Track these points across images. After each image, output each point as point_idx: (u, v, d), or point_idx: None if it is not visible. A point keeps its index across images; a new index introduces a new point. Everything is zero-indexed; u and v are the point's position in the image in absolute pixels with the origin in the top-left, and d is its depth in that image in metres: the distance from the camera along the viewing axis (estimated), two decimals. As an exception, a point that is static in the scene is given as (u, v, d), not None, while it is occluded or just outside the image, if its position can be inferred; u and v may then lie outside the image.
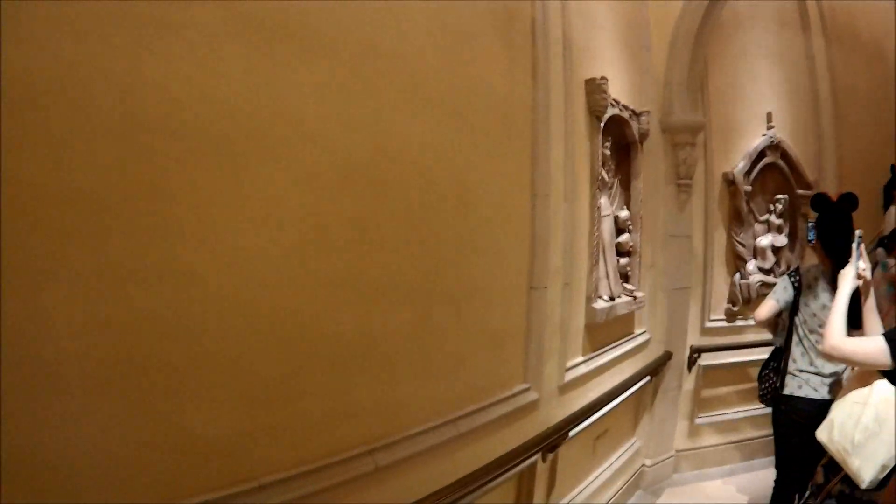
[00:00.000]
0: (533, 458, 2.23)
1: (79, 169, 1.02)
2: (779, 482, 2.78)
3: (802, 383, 2.59)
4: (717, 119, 3.88)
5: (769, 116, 4.05)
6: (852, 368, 2.39)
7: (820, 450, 2.43)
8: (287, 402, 1.39)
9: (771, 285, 3.70)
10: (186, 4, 1.15)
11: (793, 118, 4.25)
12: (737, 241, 3.98)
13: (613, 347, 3.10)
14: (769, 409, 2.82)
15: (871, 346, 1.88)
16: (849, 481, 1.92)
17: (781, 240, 4.13)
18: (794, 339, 2.69)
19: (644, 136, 3.19)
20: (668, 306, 3.71)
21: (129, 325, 1.09)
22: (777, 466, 2.79)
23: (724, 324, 4.02)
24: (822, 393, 2.54)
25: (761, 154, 4.00)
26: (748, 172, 3.95)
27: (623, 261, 3.14)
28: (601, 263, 2.88)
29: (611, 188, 3.07)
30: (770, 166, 4.06)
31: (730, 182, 3.91)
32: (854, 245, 2.10)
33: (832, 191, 3.91)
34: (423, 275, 1.76)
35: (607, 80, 2.69)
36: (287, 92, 1.35)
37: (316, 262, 1.44)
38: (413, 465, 1.70)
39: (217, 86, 1.21)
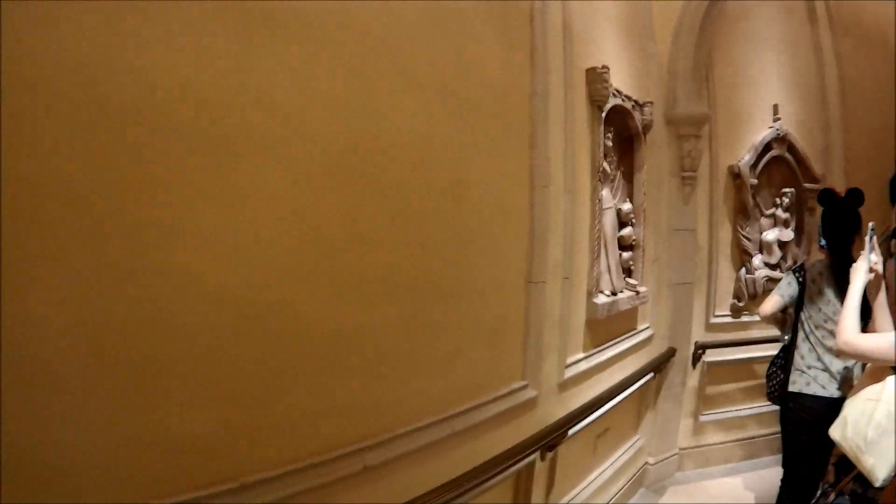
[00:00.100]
0: (531, 458, 2.17)
1: (57, 163, 0.98)
2: (786, 481, 2.73)
3: (811, 380, 2.55)
4: (723, 111, 3.81)
5: (775, 108, 3.96)
6: (863, 365, 2.35)
7: (828, 448, 2.41)
8: (272, 399, 1.34)
9: (777, 280, 3.68)
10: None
11: (800, 110, 4.17)
12: (742, 236, 3.90)
13: (616, 343, 3.04)
14: (774, 407, 2.79)
15: (886, 341, 1.83)
16: (861, 480, 1.88)
17: (788, 234, 4.05)
18: (801, 335, 2.65)
19: (647, 127, 3.12)
20: (672, 302, 3.65)
21: (109, 321, 1.05)
22: (784, 465, 2.74)
23: (730, 319, 3.96)
24: (831, 390, 2.49)
25: (767, 147, 3.92)
26: (754, 165, 3.87)
27: (625, 255, 3.08)
28: (603, 257, 2.82)
29: (613, 180, 3.00)
30: (776, 159, 3.98)
31: (735, 175, 3.83)
32: (867, 238, 2.05)
33: (839, 185, 3.87)
34: (414, 268, 1.71)
35: (608, 69, 2.62)
36: (274, 83, 1.30)
37: (302, 256, 1.39)
38: (405, 464, 1.65)
39: (200, 76, 1.16)
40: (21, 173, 0.93)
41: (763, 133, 3.91)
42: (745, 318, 3.98)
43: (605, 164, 2.81)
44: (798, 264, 2.79)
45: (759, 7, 4.00)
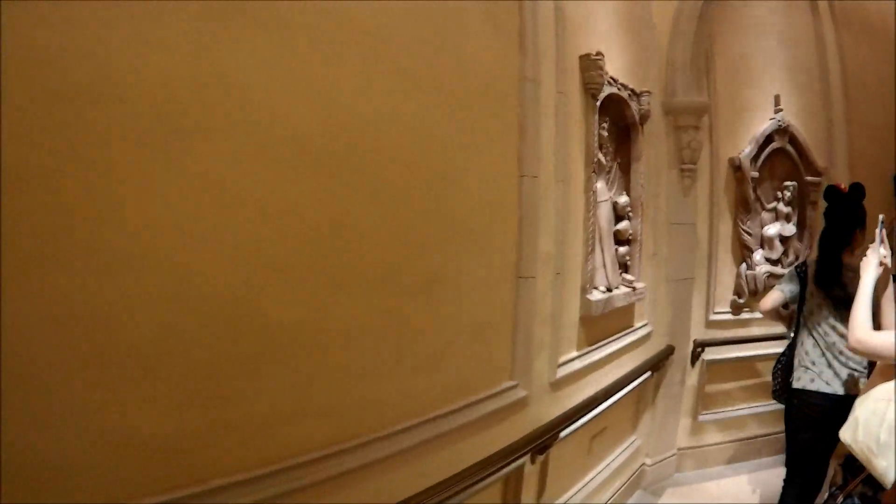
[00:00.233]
0: (521, 460, 2.07)
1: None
2: (788, 479, 2.70)
3: (815, 376, 2.52)
4: (723, 101, 3.70)
5: (777, 99, 3.85)
6: (870, 363, 2.29)
7: (831, 447, 2.37)
8: (240, 398, 1.26)
9: (778, 276, 3.62)
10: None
11: (802, 101, 4.05)
12: (743, 230, 3.80)
13: (612, 341, 2.94)
14: (775, 406, 2.79)
15: None
16: (872, 483, 1.80)
17: (790, 229, 3.95)
18: (805, 331, 2.63)
19: (645, 117, 3.02)
20: (670, 298, 3.56)
21: (64, 315, 0.98)
22: (787, 463, 2.71)
23: (730, 317, 3.86)
24: (835, 387, 2.46)
25: (769, 138, 3.81)
26: (755, 158, 3.76)
27: (622, 249, 2.98)
28: (597, 252, 2.72)
29: (609, 172, 2.90)
30: (778, 151, 3.87)
31: (736, 168, 3.73)
32: (878, 230, 1.98)
33: (843, 178, 3.78)
34: (395, 260, 1.62)
35: (603, 55, 2.53)
36: (238, 64, 1.21)
37: (273, 248, 1.31)
38: (385, 467, 1.56)
39: (159, 58, 1.09)
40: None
41: (764, 124, 3.80)
42: (745, 315, 3.88)
43: (601, 155, 2.71)
44: (801, 260, 2.81)
45: (761, -5, 3.89)
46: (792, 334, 2.74)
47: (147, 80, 1.07)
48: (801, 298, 2.65)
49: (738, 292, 3.85)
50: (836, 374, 2.47)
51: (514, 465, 2.02)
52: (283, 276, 1.34)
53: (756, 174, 3.77)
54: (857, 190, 2.55)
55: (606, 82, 2.62)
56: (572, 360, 2.54)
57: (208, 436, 1.20)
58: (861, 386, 2.42)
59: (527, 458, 2.12)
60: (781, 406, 2.77)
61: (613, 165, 2.96)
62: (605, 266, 2.78)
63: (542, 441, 2.15)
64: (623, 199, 2.95)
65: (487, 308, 1.99)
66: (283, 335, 1.34)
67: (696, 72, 3.34)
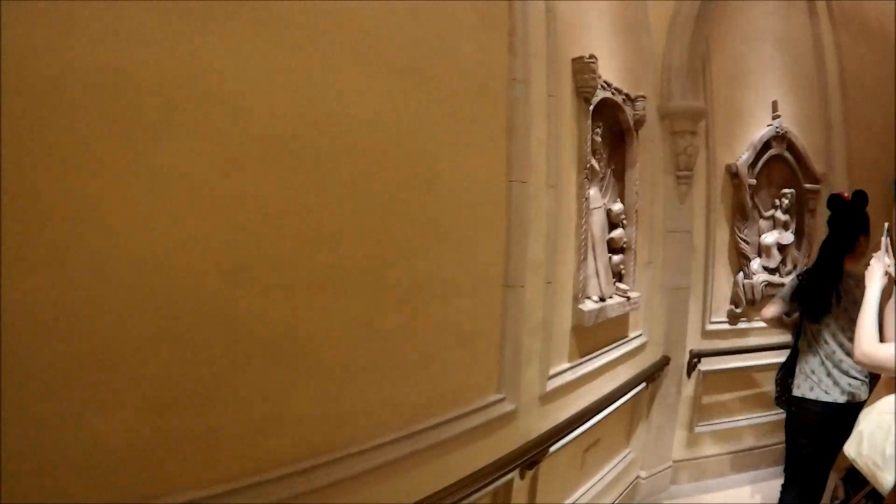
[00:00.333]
0: (509, 476, 2.00)
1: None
2: (785, 485, 2.70)
3: (814, 385, 2.52)
4: (720, 107, 3.64)
5: (775, 105, 3.81)
6: (869, 374, 2.25)
7: (829, 455, 2.35)
8: (205, 409, 1.19)
9: (776, 285, 3.56)
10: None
11: (800, 107, 4.00)
12: (740, 238, 3.73)
13: (605, 352, 2.86)
14: (773, 417, 2.79)
15: None
16: (875, 497, 1.74)
17: (787, 237, 3.88)
18: (805, 339, 2.63)
19: (640, 122, 2.95)
20: (666, 307, 3.49)
21: (23, 317, 0.93)
22: (785, 470, 2.72)
23: (727, 326, 3.79)
24: (834, 395, 2.46)
25: (766, 145, 3.75)
26: (752, 164, 3.70)
27: (616, 258, 2.91)
28: (590, 260, 2.65)
29: (602, 178, 2.83)
30: (776, 158, 3.81)
31: (733, 174, 3.66)
32: (883, 238, 1.93)
33: (842, 185, 3.73)
34: (374, 266, 1.55)
35: (596, 59, 2.46)
36: (205, 56, 1.15)
37: (244, 251, 1.25)
38: (361, 484, 1.49)
39: (116, 48, 1.02)
40: None
41: (762, 131, 3.75)
42: (742, 325, 3.81)
43: (594, 161, 2.64)
44: (804, 270, 2.82)
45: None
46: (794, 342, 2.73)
47: (99, 71, 1.01)
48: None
49: (735, 302, 3.78)
50: (836, 383, 2.47)
51: (502, 480, 1.95)
52: (262, 283, 1.28)
53: (753, 181, 3.71)
54: (860, 197, 2.56)
55: (600, 86, 2.55)
56: (563, 371, 2.46)
57: (170, 448, 1.13)
58: (860, 394, 2.40)
59: (515, 473, 2.05)
60: (778, 417, 2.75)
61: (607, 172, 2.89)
62: (598, 275, 2.71)
63: (530, 456, 2.07)
64: (617, 207, 2.88)
65: (474, 318, 1.92)
66: (257, 344, 1.28)
67: (692, 76, 3.29)
